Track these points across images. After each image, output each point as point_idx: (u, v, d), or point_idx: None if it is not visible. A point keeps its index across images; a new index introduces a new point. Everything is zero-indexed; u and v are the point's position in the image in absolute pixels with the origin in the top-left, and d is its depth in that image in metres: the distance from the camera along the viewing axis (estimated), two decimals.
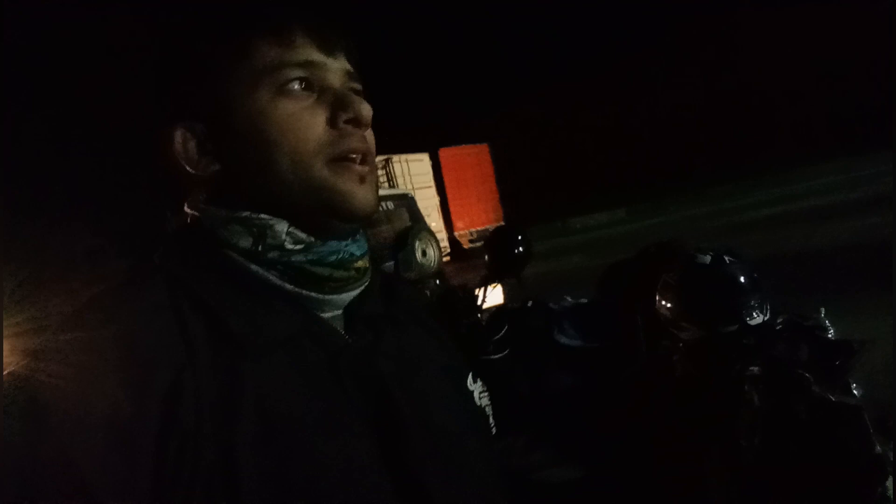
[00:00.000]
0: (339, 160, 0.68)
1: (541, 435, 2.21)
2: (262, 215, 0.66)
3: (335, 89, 0.70)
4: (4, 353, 0.65)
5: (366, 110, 0.69)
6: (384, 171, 19.46)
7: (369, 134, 0.71)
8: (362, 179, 0.69)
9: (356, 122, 0.69)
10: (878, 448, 1.48)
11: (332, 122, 0.68)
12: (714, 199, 21.18)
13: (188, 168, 0.69)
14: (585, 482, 2.06)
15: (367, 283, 0.73)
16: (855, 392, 1.71)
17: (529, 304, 3.15)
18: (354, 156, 0.69)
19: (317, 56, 0.69)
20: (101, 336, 0.57)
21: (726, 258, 1.86)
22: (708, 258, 1.86)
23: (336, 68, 0.71)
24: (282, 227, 0.66)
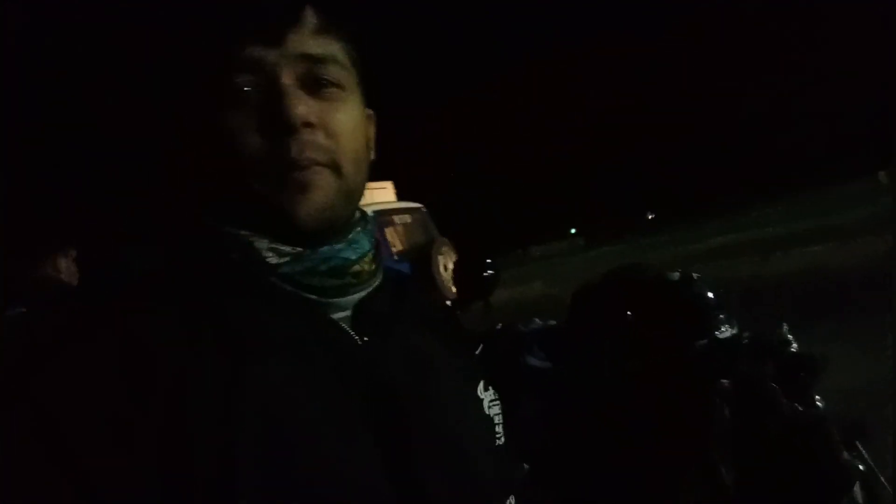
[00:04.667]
0: (276, 172, 0.61)
1: (515, 454, 2.22)
2: (243, 231, 0.64)
3: (278, 89, 0.62)
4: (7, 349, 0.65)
5: (297, 111, 0.61)
6: None
7: (328, 131, 0.64)
8: (303, 189, 0.62)
9: (285, 127, 0.61)
10: (845, 455, 1.54)
11: (264, 132, 0.61)
12: (668, 228, 21.74)
13: (189, 175, 0.68)
14: (560, 500, 2.07)
15: (375, 284, 0.70)
16: (819, 405, 1.78)
17: (499, 326, 3.18)
18: (291, 165, 0.62)
19: (257, 52, 0.62)
20: (104, 335, 0.56)
21: (693, 275, 1.93)
22: (677, 275, 1.92)
23: (282, 59, 0.62)
24: (262, 244, 0.63)
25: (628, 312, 1.99)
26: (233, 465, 0.53)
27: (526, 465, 2.21)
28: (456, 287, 2.93)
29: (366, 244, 0.69)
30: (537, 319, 3.16)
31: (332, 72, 0.65)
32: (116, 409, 0.53)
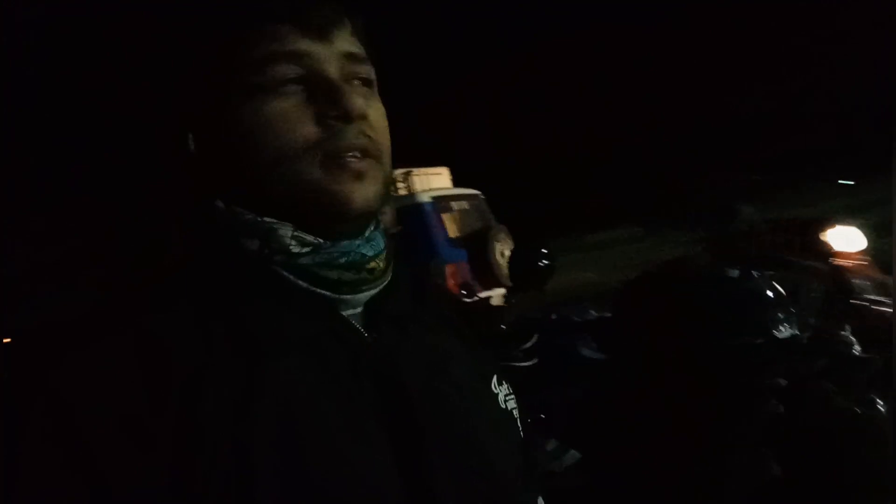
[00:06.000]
0: (331, 159, 0.63)
1: (569, 441, 2.28)
2: (266, 219, 0.65)
3: (327, 80, 0.64)
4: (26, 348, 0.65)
5: (355, 103, 0.64)
6: (405, 185, 19.44)
7: (374, 124, 0.67)
8: (359, 177, 0.64)
9: (345, 117, 0.63)
10: None
11: (320, 119, 0.63)
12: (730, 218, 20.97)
13: (200, 167, 0.68)
14: (608, 486, 2.12)
15: (386, 282, 0.70)
16: (880, 407, 1.76)
17: (553, 316, 3.21)
18: (350, 154, 0.64)
19: (307, 45, 0.65)
20: (121, 334, 0.57)
21: (754, 272, 1.92)
22: (736, 272, 1.92)
23: (332, 54, 0.65)
24: (286, 230, 0.64)
25: (683, 306, 2.01)
26: (248, 464, 0.54)
27: (577, 452, 2.26)
28: (510, 276, 2.96)
29: (381, 242, 0.70)
30: (592, 311, 3.19)
31: (367, 71, 0.68)
32: (133, 406, 0.54)
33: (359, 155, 0.64)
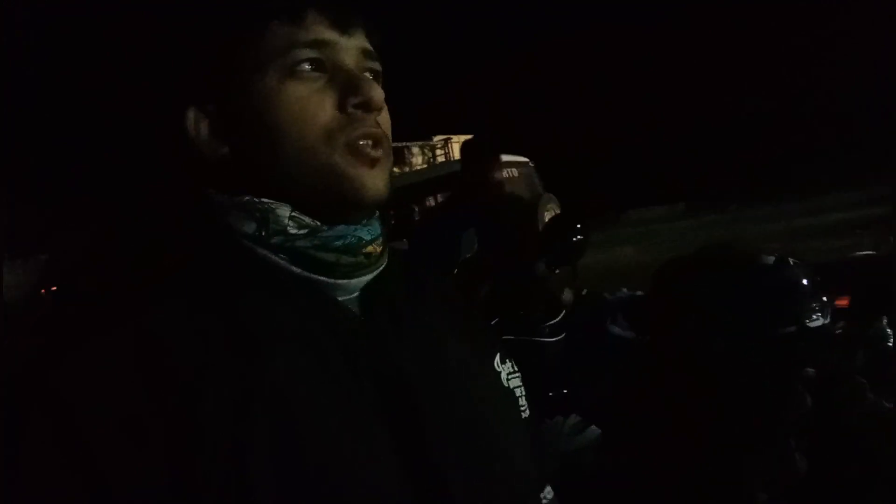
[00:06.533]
0: (349, 145, 0.65)
1: (590, 418, 2.28)
2: (265, 199, 0.65)
3: (348, 70, 0.67)
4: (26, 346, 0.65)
5: (377, 94, 0.66)
6: (443, 152, 19.42)
7: (383, 117, 0.69)
8: (373, 164, 0.67)
9: (366, 106, 0.66)
10: None
11: (341, 106, 0.65)
12: (777, 201, 20.49)
13: (199, 150, 0.68)
14: (626, 468, 2.12)
15: (382, 267, 0.71)
16: None
17: (584, 292, 3.19)
18: (365, 141, 0.66)
19: (329, 35, 0.66)
20: (120, 334, 0.58)
21: (790, 260, 1.88)
22: (772, 259, 1.88)
23: (350, 47, 0.68)
24: (284, 211, 0.65)
25: (717, 292, 1.97)
26: (248, 463, 0.54)
27: (597, 428, 2.27)
28: (542, 248, 2.92)
29: (377, 227, 0.71)
30: (625, 289, 3.16)
31: (377, 67, 0.71)
32: (132, 406, 0.54)
33: (373, 143, 0.67)
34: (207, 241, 0.67)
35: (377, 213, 0.72)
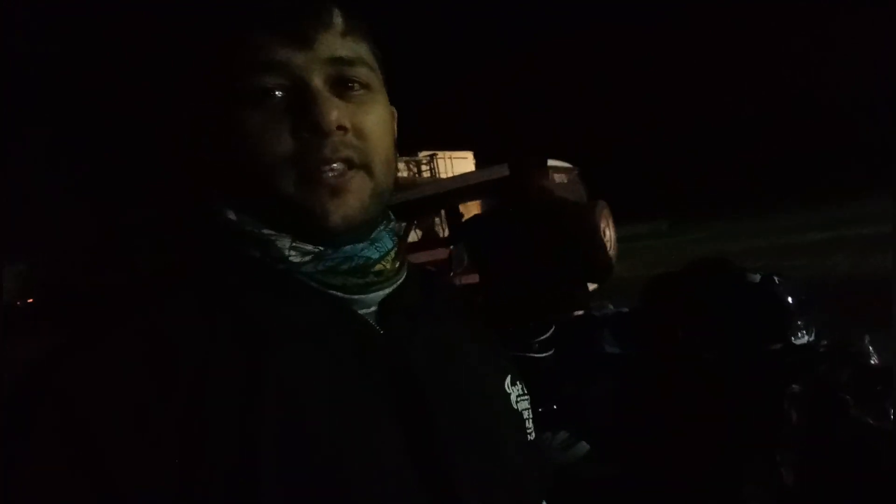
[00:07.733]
0: (304, 175, 0.61)
1: (580, 433, 2.30)
2: (265, 230, 0.63)
3: (306, 91, 0.61)
4: (35, 343, 0.65)
5: (327, 116, 0.60)
6: (428, 167, 19.50)
7: (360, 133, 0.64)
8: (335, 192, 0.62)
9: (316, 130, 0.60)
10: None
11: (294, 132, 0.61)
12: (760, 218, 20.76)
13: (200, 169, 0.68)
14: (619, 480, 2.14)
15: (400, 281, 0.69)
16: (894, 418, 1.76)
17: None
18: (325, 167, 0.61)
19: (283, 54, 0.61)
20: (125, 329, 0.57)
21: (775, 278, 1.92)
22: (758, 277, 1.92)
23: (313, 60, 0.62)
24: (284, 242, 0.63)
25: (705, 309, 2.01)
26: (256, 457, 0.54)
27: (587, 444, 2.29)
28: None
29: (388, 243, 0.68)
30: (610, 305, 3.19)
31: (361, 73, 0.65)
32: (139, 401, 0.54)
33: (338, 168, 0.62)
34: (213, 249, 0.66)
35: (388, 226, 0.70)
